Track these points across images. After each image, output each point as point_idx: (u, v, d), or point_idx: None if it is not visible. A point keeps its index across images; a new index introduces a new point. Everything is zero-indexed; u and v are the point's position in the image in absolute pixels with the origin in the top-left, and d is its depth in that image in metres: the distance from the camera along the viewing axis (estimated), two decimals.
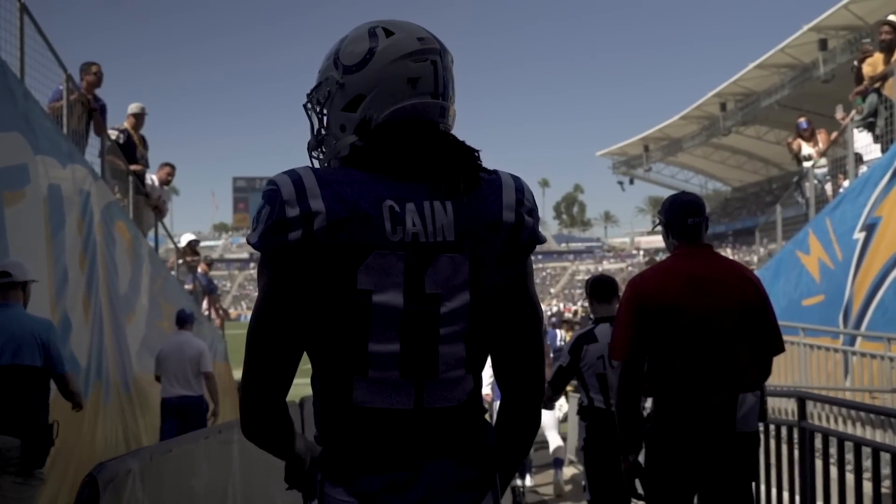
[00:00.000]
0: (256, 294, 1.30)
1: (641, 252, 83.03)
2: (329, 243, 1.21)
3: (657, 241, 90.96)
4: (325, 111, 1.36)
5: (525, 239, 1.33)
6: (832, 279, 7.82)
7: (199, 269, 10.59)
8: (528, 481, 7.12)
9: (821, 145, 9.20)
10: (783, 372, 7.71)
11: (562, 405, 8.28)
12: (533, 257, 1.41)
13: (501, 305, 1.34)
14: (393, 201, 1.25)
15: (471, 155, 1.33)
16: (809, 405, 4.69)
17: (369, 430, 1.26)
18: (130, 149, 8.17)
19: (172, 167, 9.43)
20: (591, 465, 4.05)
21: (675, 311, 2.68)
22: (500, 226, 1.29)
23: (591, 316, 4.27)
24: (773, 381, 7.92)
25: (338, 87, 1.32)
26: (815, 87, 40.55)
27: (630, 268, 74.53)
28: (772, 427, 4.66)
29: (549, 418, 6.90)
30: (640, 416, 2.82)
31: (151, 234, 9.19)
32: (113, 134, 7.90)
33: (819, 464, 4.13)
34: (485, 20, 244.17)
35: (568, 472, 7.67)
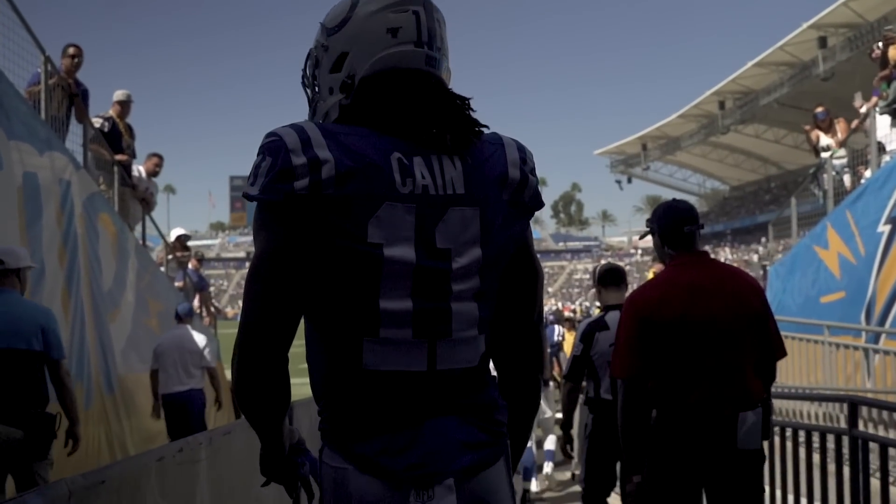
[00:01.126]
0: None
1: (640, 251, 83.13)
2: (337, 194, 1.16)
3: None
4: (316, 80, 1.34)
5: (528, 198, 1.31)
6: (854, 275, 7.52)
7: (190, 266, 10.19)
8: (535, 486, 6.90)
9: (839, 135, 8.83)
10: (801, 373, 7.43)
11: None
12: None
13: (506, 264, 1.31)
14: (401, 154, 1.21)
15: (459, 107, 1.28)
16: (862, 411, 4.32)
17: (378, 394, 1.21)
18: (116, 138, 7.70)
19: (160, 158, 9.03)
20: (591, 458, 4.01)
21: (678, 324, 2.63)
22: (506, 181, 1.27)
23: (598, 305, 4.23)
24: (794, 382, 7.85)
25: (324, 51, 1.30)
26: (814, 86, 40.49)
27: (628, 266, 74.66)
28: (814, 436, 4.24)
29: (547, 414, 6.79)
30: (645, 436, 2.73)
31: (140, 229, 8.81)
32: (97, 122, 7.52)
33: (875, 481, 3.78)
34: (482, 18, 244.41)
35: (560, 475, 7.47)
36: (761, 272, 9.73)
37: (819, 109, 9.15)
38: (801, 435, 4.28)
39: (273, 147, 1.18)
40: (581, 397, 4.37)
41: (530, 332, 1.37)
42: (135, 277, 7.26)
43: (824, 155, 9.10)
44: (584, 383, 4.14)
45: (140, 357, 7.02)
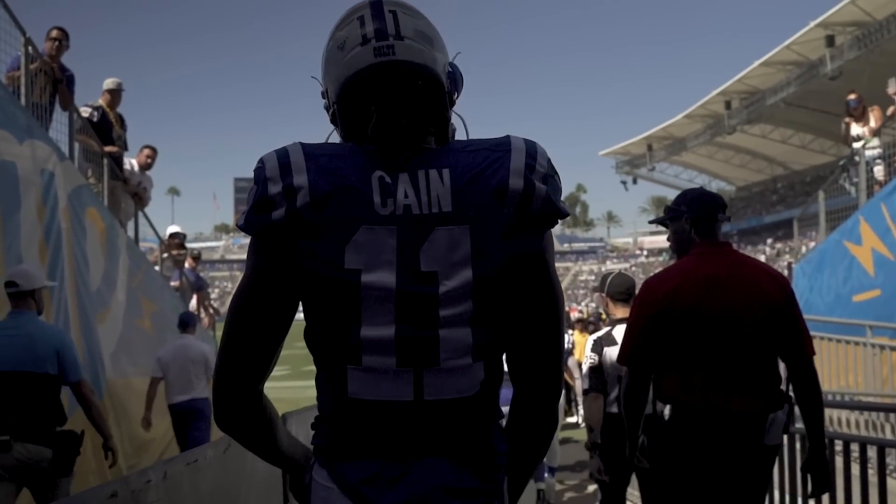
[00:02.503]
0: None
1: (645, 252, 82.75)
2: (314, 220, 1.14)
3: (660, 241, 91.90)
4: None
5: (538, 209, 1.18)
6: (890, 272, 7.14)
7: (187, 265, 9.79)
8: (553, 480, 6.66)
9: (873, 123, 8.37)
10: (833, 376, 7.03)
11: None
12: None
13: (514, 285, 1.21)
14: (384, 171, 1.17)
15: (422, 101, 1.19)
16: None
17: (364, 423, 1.18)
18: (105, 128, 7.27)
19: (153, 150, 8.60)
20: (606, 475, 3.94)
21: (696, 315, 2.57)
22: (506, 193, 1.17)
23: (602, 314, 4.25)
24: (824, 387, 7.39)
25: (323, 98, 1.31)
26: (821, 85, 40.46)
27: (633, 268, 74.34)
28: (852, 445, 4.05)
29: None
30: (641, 416, 2.79)
31: (133, 225, 8.38)
32: (86, 111, 7.11)
33: None
34: (486, 18, 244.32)
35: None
36: (786, 270, 9.30)
37: (852, 97, 8.69)
38: (837, 444, 4.12)
39: (257, 175, 1.17)
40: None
41: (546, 356, 1.25)
42: (126, 276, 6.89)
43: (856, 145, 8.64)
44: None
45: (132, 360, 6.65)
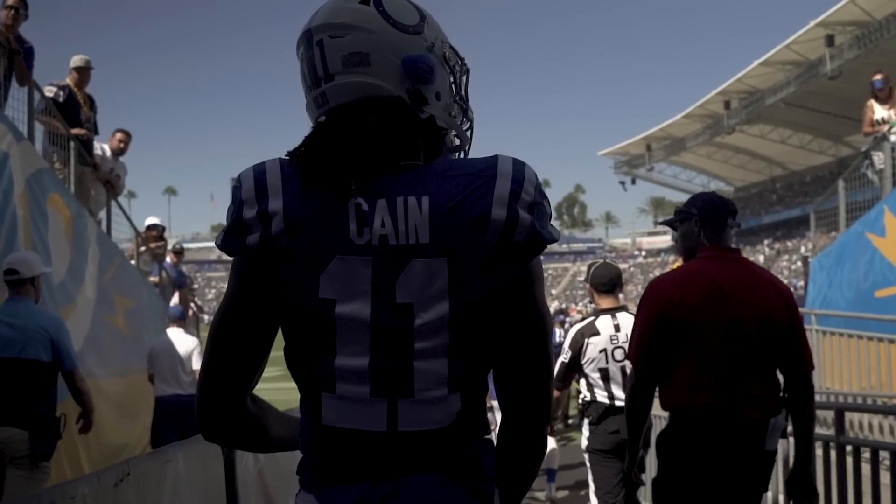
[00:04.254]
0: None
1: (643, 252, 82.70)
2: (288, 247, 1.11)
3: (659, 242, 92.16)
4: None
5: (521, 240, 1.12)
6: None
7: (168, 260, 9.33)
8: (554, 490, 6.69)
9: None
10: (854, 376, 6.62)
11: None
12: None
13: (498, 313, 1.16)
14: (363, 198, 1.12)
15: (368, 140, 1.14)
16: None
17: (339, 451, 1.16)
18: (73, 109, 6.65)
19: (127, 134, 7.95)
20: (595, 466, 3.96)
21: (696, 321, 2.56)
22: (487, 223, 1.10)
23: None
24: (844, 388, 6.99)
25: None
26: (821, 85, 40.48)
27: (632, 268, 74.30)
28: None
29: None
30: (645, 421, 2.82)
31: (105, 216, 7.86)
32: (51, 91, 6.56)
33: None
34: (484, 19, 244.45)
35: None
36: (798, 264, 8.89)
37: (877, 77, 8.22)
38: (865, 452, 3.96)
39: (234, 195, 1.15)
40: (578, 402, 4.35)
41: (532, 384, 1.22)
42: (96, 270, 6.42)
43: (881, 129, 8.14)
44: (581, 391, 4.08)
45: (102, 361, 6.20)
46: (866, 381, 6.59)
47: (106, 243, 7.01)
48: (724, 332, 2.54)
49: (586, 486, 4.34)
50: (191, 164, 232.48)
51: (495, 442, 1.26)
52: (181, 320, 6.86)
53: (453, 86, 1.22)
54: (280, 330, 1.19)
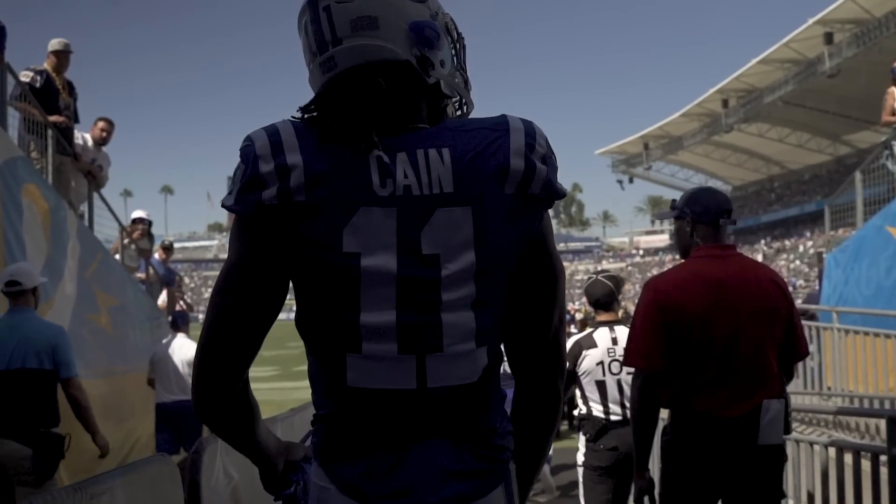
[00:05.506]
0: None
1: (640, 251, 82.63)
2: (308, 201, 1.09)
3: (656, 241, 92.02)
4: None
5: (538, 190, 1.15)
6: None
7: (157, 256, 9.04)
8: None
9: None
10: (878, 377, 6.37)
11: None
12: None
13: (516, 266, 1.18)
14: (381, 151, 1.11)
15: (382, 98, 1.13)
16: None
17: (364, 413, 1.14)
18: (50, 96, 6.27)
19: (109, 122, 7.55)
20: (589, 483, 3.90)
21: (701, 321, 2.54)
22: (507, 174, 1.13)
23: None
24: (868, 391, 6.56)
25: None
26: (819, 83, 40.49)
27: (629, 267, 74.23)
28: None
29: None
30: (654, 428, 2.74)
31: (88, 209, 7.55)
32: (27, 76, 6.22)
33: None
34: (482, 18, 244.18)
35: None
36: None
37: None
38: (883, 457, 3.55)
39: (245, 153, 1.11)
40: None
41: (549, 337, 1.23)
42: (76, 265, 6.12)
43: None
44: (577, 404, 4.05)
45: (83, 361, 5.98)
46: (884, 384, 6.28)
47: (88, 237, 6.70)
48: (730, 329, 2.53)
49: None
50: (187, 163, 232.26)
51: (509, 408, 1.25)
52: (185, 325, 6.79)
53: (454, 56, 1.23)
54: (294, 294, 1.17)
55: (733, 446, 2.53)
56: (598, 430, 3.83)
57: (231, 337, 1.13)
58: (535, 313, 1.21)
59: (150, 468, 2.77)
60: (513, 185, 1.13)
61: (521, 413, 1.26)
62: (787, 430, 2.64)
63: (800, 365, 7.57)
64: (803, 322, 7.36)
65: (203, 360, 1.15)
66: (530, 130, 1.16)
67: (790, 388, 7.48)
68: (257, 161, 1.09)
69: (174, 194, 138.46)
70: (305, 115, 1.16)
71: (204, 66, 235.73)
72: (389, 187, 1.10)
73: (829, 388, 7.04)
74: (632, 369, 2.74)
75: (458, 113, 1.26)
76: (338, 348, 1.13)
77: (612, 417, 3.80)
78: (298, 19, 1.19)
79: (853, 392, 6.67)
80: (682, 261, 2.80)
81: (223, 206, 1.14)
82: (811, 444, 4.19)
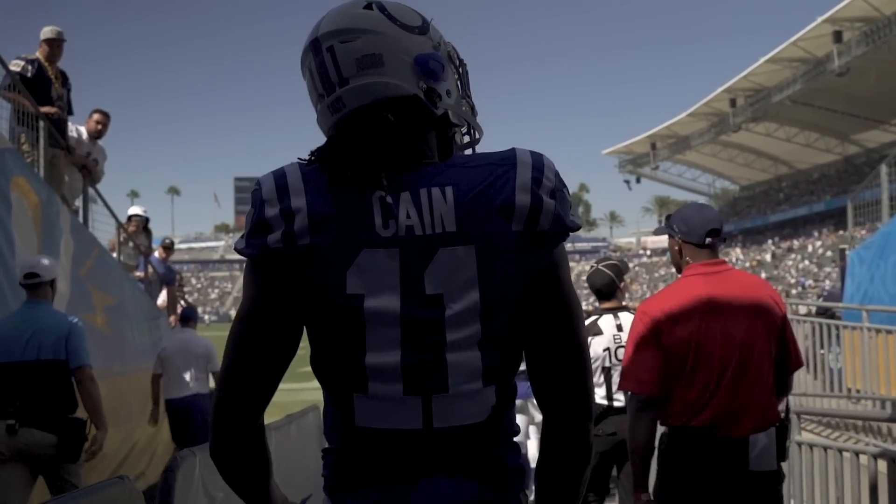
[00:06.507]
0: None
1: (648, 251, 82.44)
2: (312, 244, 1.10)
3: (663, 241, 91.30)
4: None
5: (547, 225, 1.12)
6: None
7: (157, 255, 8.83)
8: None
9: None
10: None
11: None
12: None
13: (528, 304, 1.16)
14: (384, 191, 1.12)
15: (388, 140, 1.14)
16: None
17: (372, 452, 1.15)
18: (43, 86, 6.04)
19: (105, 115, 7.07)
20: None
21: (694, 340, 2.55)
22: (513, 210, 1.11)
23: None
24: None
25: None
26: (828, 82, 40.25)
27: (637, 268, 74.00)
28: None
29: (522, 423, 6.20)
30: (653, 449, 2.73)
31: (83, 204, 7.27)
32: (17, 65, 5.99)
33: None
34: (488, 18, 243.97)
35: None
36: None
37: None
38: None
39: (253, 198, 1.14)
40: None
41: (571, 376, 1.18)
42: (70, 262, 5.93)
43: None
44: None
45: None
46: None
47: (82, 234, 6.49)
48: (725, 346, 2.54)
49: None
50: (194, 163, 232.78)
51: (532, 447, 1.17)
52: (193, 321, 6.82)
53: (459, 84, 1.23)
54: (306, 333, 1.18)
55: (727, 467, 2.53)
56: (598, 415, 3.78)
57: (247, 379, 1.15)
58: (553, 352, 1.17)
59: (108, 491, 2.49)
60: (520, 222, 1.11)
61: (548, 453, 1.22)
62: (783, 457, 2.63)
63: (819, 366, 7.41)
64: (824, 321, 7.21)
65: (220, 401, 1.16)
66: (538, 164, 1.14)
67: (811, 390, 7.20)
68: (263, 205, 1.11)
69: (181, 195, 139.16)
70: (314, 157, 1.16)
71: (211, 66, 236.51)
72: (392, 228, 1.10)
73: (857, 391, 6.75)
74: None
75: (467, 139, 1.25)
76: (345, 388, 1.14)
77: (616, 404, 3.82)
78: (301, 62, 1.20)
79: (885, 395, 6.36)
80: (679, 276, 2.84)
81: (235, 249, 1.17)
82: (840, 450, 3.99)
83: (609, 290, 4.02)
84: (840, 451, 4.01)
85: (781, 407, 2.69)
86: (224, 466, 1.20)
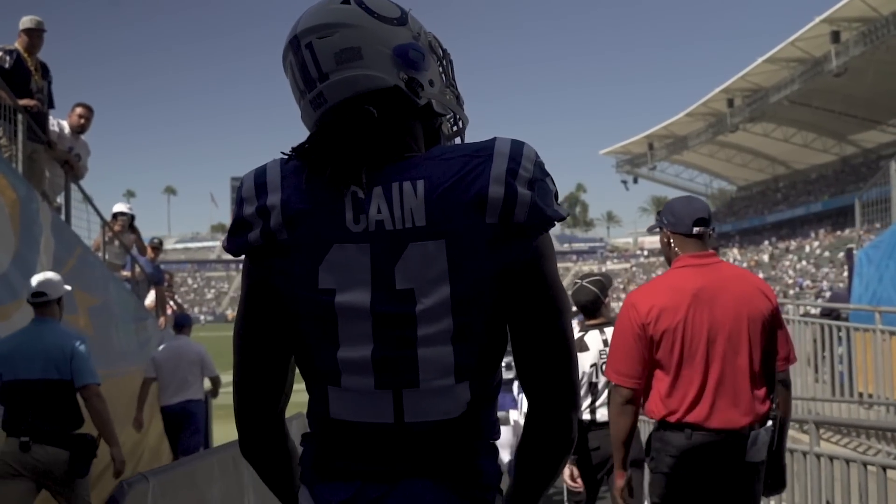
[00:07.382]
0: None
1: (645, 252, 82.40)
2: (288, 240, 1.13)
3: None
4: None
5: (523, 218, 1.10)
6: None
7: (145, 254, 8.54)
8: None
9: None
10: None
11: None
12: None
13: (509, 297, 1.15)
14: (358, 187, 1.13)
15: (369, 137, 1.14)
16: None
17: (346, 444, 1.17)
18: (21, 77, 5.81)
19: (88, 109, 6.86)
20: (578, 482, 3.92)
21: (680, 332, 2.55)
22: (485, 203, 1.09)
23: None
24: None
25: None
26: (826, 82, 40.24)
27: (634, 268, 73.91)
28: None
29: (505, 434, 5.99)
30: (632, 436, 2.78)
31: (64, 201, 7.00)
32: None
33: None
34: (485, 17, 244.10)
35: None
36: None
37: None
38: None
39: (236, 196, 1.18)
40: None
41: (553, 368, 1.17)
42: (50, 261, 5.67)
43: None
44: None
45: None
46: None
47: (64, 232, 6.25)
48: (713, 339, 2.54)
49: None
50: (191, 163, 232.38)
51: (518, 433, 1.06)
52: (187, 327, 6.87)
53: (442, 74, 1.23)
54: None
55: (720, 460, 2.54)
56: (580, 430, 3.77)
57: (254, 374, 1.20)
58: (537, 346, 1.16)
59: None
60: (494, 215, 1.09)
61: (529, 440, 1.21)
62: (773, 447, 2.65)
63: (828, 369, 7.21)
64: (829, 322, 7.04)
65: (238, 397, 1.22)
66: (516, 154, 1.11)
67: (819, 394, 6.99)
68: (243, 203, 1.14)
69: (177, 195, 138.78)
70: (296, 153, 1.16)
71: (207, 66, 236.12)
72: (363, 223, 1.11)
73: (870, 395, 6.52)
74: None
75: (454, 129, 1.25)
76: (321, 380, 1.16)
77: (598, 419, 3.83)
78: (283, 59, 1.21)
79: None
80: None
81: (223, 248, 1.20)
82: (864, 464, 3.81)
83: (594, 306, 3.98)
84: (865, 464, 3.82)
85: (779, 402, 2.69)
86: (253, 461, 1.26)
